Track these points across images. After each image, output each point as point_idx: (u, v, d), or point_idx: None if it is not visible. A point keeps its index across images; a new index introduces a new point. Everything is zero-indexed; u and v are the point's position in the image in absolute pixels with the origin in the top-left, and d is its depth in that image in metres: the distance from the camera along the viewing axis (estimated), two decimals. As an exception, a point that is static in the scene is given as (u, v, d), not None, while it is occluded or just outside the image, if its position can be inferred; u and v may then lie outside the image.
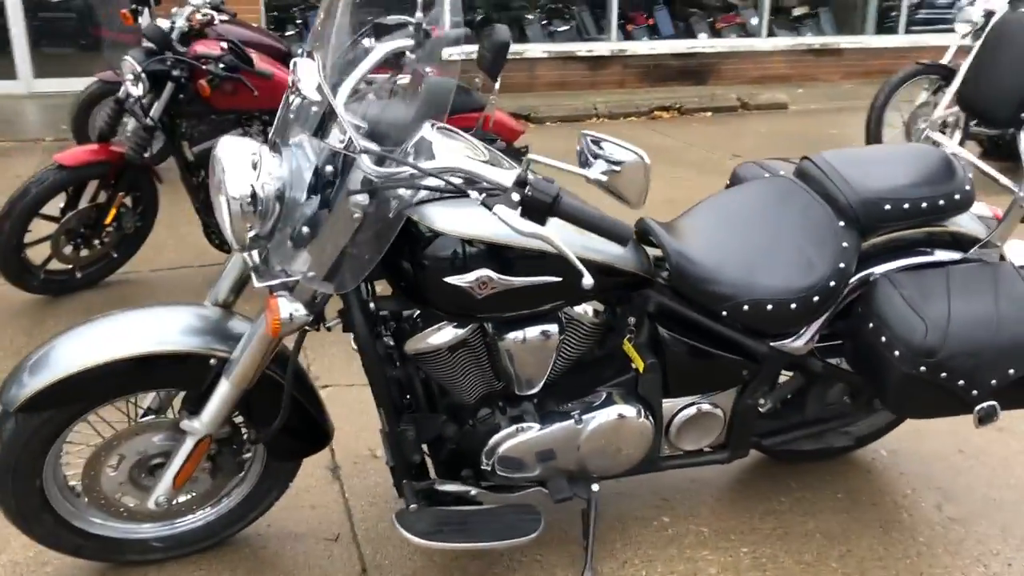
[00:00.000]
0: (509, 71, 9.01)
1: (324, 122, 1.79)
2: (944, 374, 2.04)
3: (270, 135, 1.94)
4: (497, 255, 1.85)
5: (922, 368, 2.04)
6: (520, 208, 1.61)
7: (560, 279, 1.91)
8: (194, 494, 2.17)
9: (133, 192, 3.92)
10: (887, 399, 2.18)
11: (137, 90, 3.60)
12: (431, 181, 1.65)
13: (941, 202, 2.19)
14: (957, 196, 2.21)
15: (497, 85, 4.30)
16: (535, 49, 9.14)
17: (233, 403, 1.96)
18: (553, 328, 2.01)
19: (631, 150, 1.50)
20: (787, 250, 2.16)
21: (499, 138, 4.32)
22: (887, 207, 2.17)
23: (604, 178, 1.51)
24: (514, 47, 9.33)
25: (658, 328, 2.14)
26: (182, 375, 1.98)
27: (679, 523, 2.45)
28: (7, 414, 1.91)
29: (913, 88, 5.97)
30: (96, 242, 3.90)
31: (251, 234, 1.75)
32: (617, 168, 1.51)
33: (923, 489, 2.62)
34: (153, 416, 2.11)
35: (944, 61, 5.79)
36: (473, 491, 2.15)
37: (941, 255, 2.26)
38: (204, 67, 3.57)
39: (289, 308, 1.71)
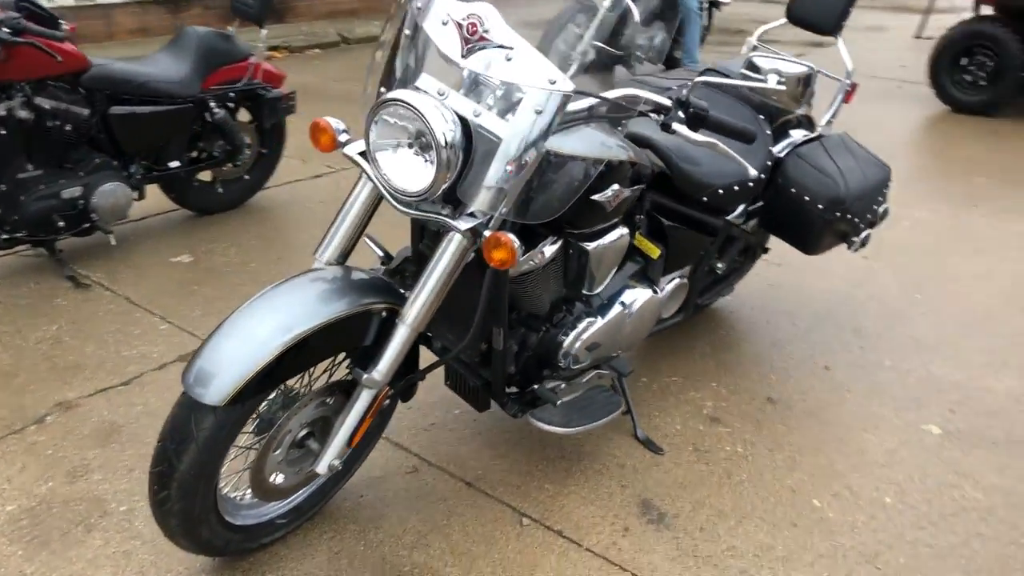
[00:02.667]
0: (84, 20, 8.24)
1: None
2: (849, 216, 2.83)
3: (393, 84, 1.98)
4: (615, 172, 2.16)
5: (837, 214, 2.80)
6: (686, 122, 1.98)
7: (644, 186, 2.29)
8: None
9: None
10: (807, 243, 2.92)
11: None
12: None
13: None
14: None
15: (264, 32, 4.21)
16: (110, -6, 8.45)
17: (409, 348, 2.02)
18: (626, 230, 2.38)
19: (801, 63, 1.92)
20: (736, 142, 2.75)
21: (268, 86, 4.23)
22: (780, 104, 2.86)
23: (782, 87, 1.92)
24: (84, -6, 8.52)
25: (661, 220, 2.61)
26: (349, 335, 1.98)
27: (657, 379, 3.00)
28: (205, 411, 1.77)
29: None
30: None
31: (446, 185, 1.86)
32: (784, 79, 1.93)
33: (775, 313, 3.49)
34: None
35: None
36: (563, 385, 2.46)
37: (799, 134, 3.04)
38: (-15, 31, 3.03)
39: (517, 242, 1.85)
